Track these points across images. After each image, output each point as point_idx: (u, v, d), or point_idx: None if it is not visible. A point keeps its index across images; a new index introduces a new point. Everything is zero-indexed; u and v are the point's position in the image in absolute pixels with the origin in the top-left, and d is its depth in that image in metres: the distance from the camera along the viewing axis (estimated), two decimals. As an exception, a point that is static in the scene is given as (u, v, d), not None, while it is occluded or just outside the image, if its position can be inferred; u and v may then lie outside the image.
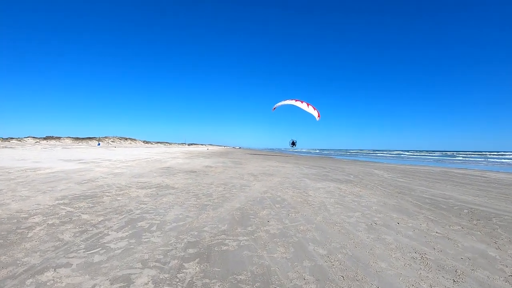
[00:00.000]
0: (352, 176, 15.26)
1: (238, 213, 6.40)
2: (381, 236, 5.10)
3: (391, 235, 5.15)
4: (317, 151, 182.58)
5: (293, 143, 41.01)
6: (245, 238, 4.76)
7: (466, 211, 7.28)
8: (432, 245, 4.72)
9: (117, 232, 4.86)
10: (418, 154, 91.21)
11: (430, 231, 5.50)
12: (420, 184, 12.28)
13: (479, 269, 3.89)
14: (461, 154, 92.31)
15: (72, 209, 6.24)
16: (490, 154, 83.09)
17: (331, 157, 52.16)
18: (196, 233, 4.93)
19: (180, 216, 5.94)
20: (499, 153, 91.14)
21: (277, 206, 7.19)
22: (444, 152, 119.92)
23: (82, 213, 5.96)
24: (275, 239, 4.74)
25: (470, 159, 55.78)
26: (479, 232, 5.53)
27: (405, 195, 9.42)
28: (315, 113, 35.53)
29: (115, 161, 20.61)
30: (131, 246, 4.27)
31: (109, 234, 4.76)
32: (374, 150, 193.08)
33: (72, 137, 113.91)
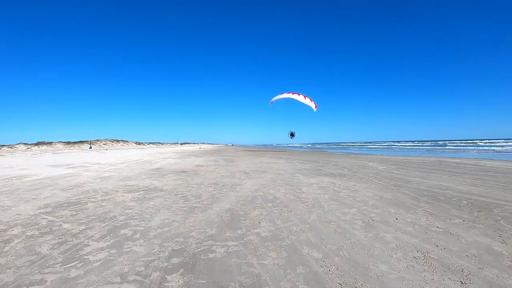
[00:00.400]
0: (346, 170, 15.00)
1: (228, 214, 6.05)
2: (379, 234, 4.79)
3: (390, 233, 4.84)
4: (310, 145, 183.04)
5: (292, 134, 40.89)
6: (234, 243, 4.41)
7: (465, 202, 7.02)
8: (434, 242, 4.42)
9: (98, 242, 4.50)
10: (409, 144, 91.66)
11: (430, 226, 5.21)
12: (416, 176, 12.04)
13: (486, 267, 3.60)
14: (451, 143, 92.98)
15: (53, 218, 5.86)
16: (480, 142, 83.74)
17: (324, 151, 52.06)
18: (181, 239, 4.58)
19: (166, 221, 5.58)
20: (489, 141, 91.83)
21: (269, 205, 6.86)
22: (435, 142, 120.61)
23: (64, 222, 5.58)
24: (266, 243, 4.40)
25: (461, 147, 56.14)
26: (481, 225, 5.26)
27: (401, 187, 9.15)
28: (312, 105, 35.52)
29: (104, 164, 20.13)
30: (111, 258, 3.92)
31: (89, 245, 4.40)
32: (365, 142, 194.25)
33: (64, 142, 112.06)
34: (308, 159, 24.80)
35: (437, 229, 5.04)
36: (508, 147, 47.86)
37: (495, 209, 6.34)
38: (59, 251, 4.15)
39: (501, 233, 4.82)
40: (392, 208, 6.51)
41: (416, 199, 7.35)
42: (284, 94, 36.65)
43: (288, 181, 10.90)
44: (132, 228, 5.17)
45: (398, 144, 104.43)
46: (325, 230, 4.97)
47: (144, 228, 5.19)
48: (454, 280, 3.26)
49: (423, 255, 3.92)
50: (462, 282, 3.22)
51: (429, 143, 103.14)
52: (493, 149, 43.86)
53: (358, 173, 13.48)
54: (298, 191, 8.69)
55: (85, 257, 3.95)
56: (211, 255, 3.95)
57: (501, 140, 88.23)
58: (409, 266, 3.60)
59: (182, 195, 8.12)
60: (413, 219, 5.61)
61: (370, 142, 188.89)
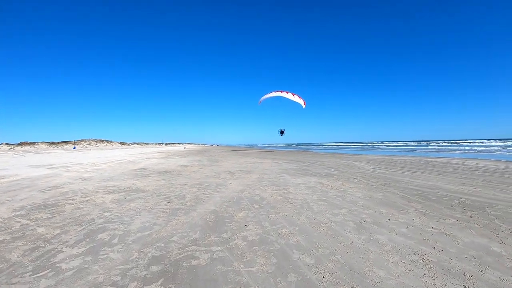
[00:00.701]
0: (332, 170, 14.83)
1: (212, 217, 5.72)
2: (373, 236, 4.54)
3: (384, 234, 4.60)
4: (294, 145, 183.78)
5: (282, 132, 41.10)
6: (219, 248, 4.09)
7: (457, 201, 6.87)
8: (431, 244, 4.20)
9: (72, 248, 4.13)
10: (392, 145, 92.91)
11: (425, 226, 5.00)
12: (404, 175, 11.93)
13: (488, 269, 3.40)
14: (435, 143, 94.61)
15: (28, 222, 5.45)
16: (463, 142, 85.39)
17: (309, 151, 52.10)
18: (162, 244, 4.23)
19: (147, 224, 5.22)
20: (472, 141, 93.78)
21: (255, 206, 6.55)
22: (418, 142, 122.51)
23: (38, 226, 5.18)
24: (253, 248, 4.09)
25: (445, 147, 56.97)
26: (476, 225, 5.08)
27: (390, 187, 8.98)
28: (301, 101, 35.68)
29: (86, 164, 19.49)
30: (86, 266, 3.56)
31: (63, 251, 4.02)
32: (349, 143, 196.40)
33: (47, 142, 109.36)
34: (294, 159, 24.62)
35: (432, 229, 4.84)
36: (491, 147, 48.72)
37: (487, 208, 6.20)
38: (30, 258, 3.78)
39: (497, 233, 4.65)
40: (383, 208, 6.29)
41: (406, 199, 7.17)
42: (273, 92, 36.71)
43: (274, 181, 10.62)
44: (110, 232, 4.80)
45: (382, 144, 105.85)
46: (315, 233, 4.69)
47: (123, 232, 4.82)
48: (457, 285, 3.03)
49: (421, 258, 3.69)
50: (465, 287, 2.99)
51: (412, 143, 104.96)
52: (477, 149, 44.59)
53: (345, 172, 13.31)
54: (285, 191, 8.41)
55: (58, 265, 3.59)
56: (194, 262, 3.62)
57: (484, 140, 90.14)
58: (408, 271, 3.35)
59: (164, 196, 7.75)
60: (406, 220, 5.39)
61: (353, 142, 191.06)
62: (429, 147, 64.11)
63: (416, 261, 3.60)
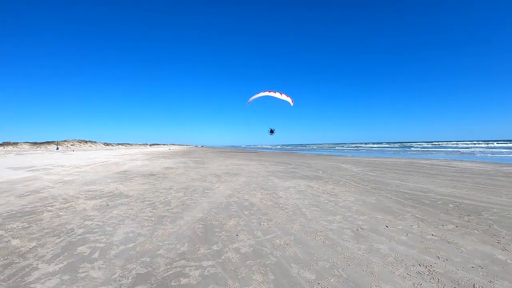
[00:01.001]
0: (320, 172, 14.67)
1: (201, 225, 5.38)
2: (373, 245, 4.30)
3: (384, 243, 4.37)
4: (279, 146, 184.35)
5: (272, 131, 41.47)
6: (210, 262, 3.76)
7: (452, 205, 6.74)
8: (434, 253, 4.00)
9: (49, 264, 3.74)
10: (376, 146, 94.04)
11: (424, 233, 4.81)
12: (393, 178, 11.84)
13: (496, 279, 3.22)
14: (417, 144, 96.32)
15: (2, 232, 5.01)
16: (445, 144, 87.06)
17: (294, 152, 52.19)
18: (148, 259, 3.88)
19: (131, 235, 4.86)
20: (454, 142, 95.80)
21: (245, 213, 6.26)
22: (401, 144, 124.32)
23: (13, 237, 4.75)
24: (248, 262, 3.79)
25: (428, 149, 57.86)
26: (476, 231, 4.93)
27: (382, 190, 8.83)
28: (288, 99, 36.12)
29: (68, 166, 18.77)
30: (62, 287, 3.19)
31: (38, 268, 3.63)
32: (333, 144, 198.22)
33: (30, 142, 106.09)
34: (280, 161, 24.44)
35: (432, 237, 4.64)
36: (475, 149, 49.58)
37: (483, 213, 6.08)
38: (2, 277, 3.38)
39: (498, 239, 4.49)
40: (379, 214, 6.09)
41: (400, 203, 7.00)
42: (261, 93, 36.98)
43: (262, 184, 10.35)
44: (91, 245, 4.42)
45: (365, 145, 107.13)
46: (312, 243, 4.42)
47: (104, 244, 4.45)
48: (469, 301, 2.80)
49: (427, 270, 3.46)
50: (478, 303, 2.77)
51: (396, 145, 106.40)
52: (460, 151, 45.33)
53: (334, 175, 13.15)
54: (275, 196, 8.15)
55: (32, 285, 3.21)
56: (183, 281, 3.29)
57: (468, 142, 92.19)
58: (416, 285, 3.12)
59: (149, 202, 7.38)
60: (404, 226, 5.19)
61: (337, 144, 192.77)
62: (412, 148, 65.20)
63: (422, 273, 3.38)
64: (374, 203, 7.12)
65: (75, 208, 6.81)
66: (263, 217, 5.88)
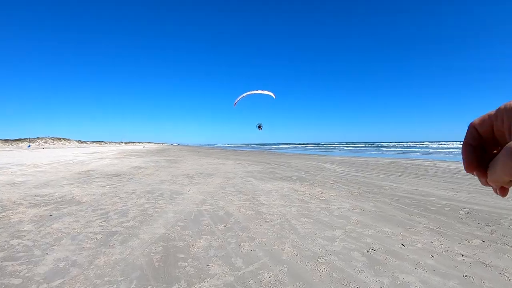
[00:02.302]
0: (303, 172, 13.64)
1: (160, 248, 4.03)
2: (398, 277, 3.14)
3: (411, 274, 3.22)
4: (255, 145, 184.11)
5: (260, 126, 41.06)
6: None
7: (463, 212, 5.79)
8: (479, 284, 2.92)
9: None
10: (347, 146, 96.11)
11: (452, 254, 3.74)
12: (383, 179, 10.87)
13: None
14: (387, 144, 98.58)
15: None
16: (411, 144, 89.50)
17: (271, 151, 51.32)
18: (75, 315, 2.58)
19: (62, 264, 3.49)
20: (420, 143, 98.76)
21: (220, 227, 4.98)
22: (369, 144, 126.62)
23: None
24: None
25: (397, 148, 58.67)
26: (508, 246, 3.94)
27: (377, 194, 7.80)
28: (270, 93, 35.82)
29: (28, 165, 16.87)
30: None
31: None
32: (304, 143, 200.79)
33: (2, 140, 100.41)
34: (258, 160, 23.36)
35: (463, 258, 3.58)
36: (453, 149, 49.84)
37: (502, 221, 5.19)
38: None
39: (545, 260, 3.47)
40: (386, 226, 4.98)
41: (404, 211, 5.96)
42: (245, 93, 36.81)
43: (240, 187, 9.13)
44: (3, 281, 3.08)
45: (338, 145, 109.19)
46: (315, 278, 3.18)
47: (21, 280, 3.11)
48: None
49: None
50: None
51: (364, 144, 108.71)
52: (428, 151, 45.78)
53: (318, 176, 12.12)
54: (256, 202, 6.94)
55: None
56: None
57: (442, 142, 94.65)
58: None
59: (102, 212, 6.00)
60: (423, 244, 4.10)
61: (307, 143, 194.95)
62: (382, 148, 66.30)
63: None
64: (374, 211, 6.04)
65: (10, 219, 5.44)
66: (243, 234, 4.63)
